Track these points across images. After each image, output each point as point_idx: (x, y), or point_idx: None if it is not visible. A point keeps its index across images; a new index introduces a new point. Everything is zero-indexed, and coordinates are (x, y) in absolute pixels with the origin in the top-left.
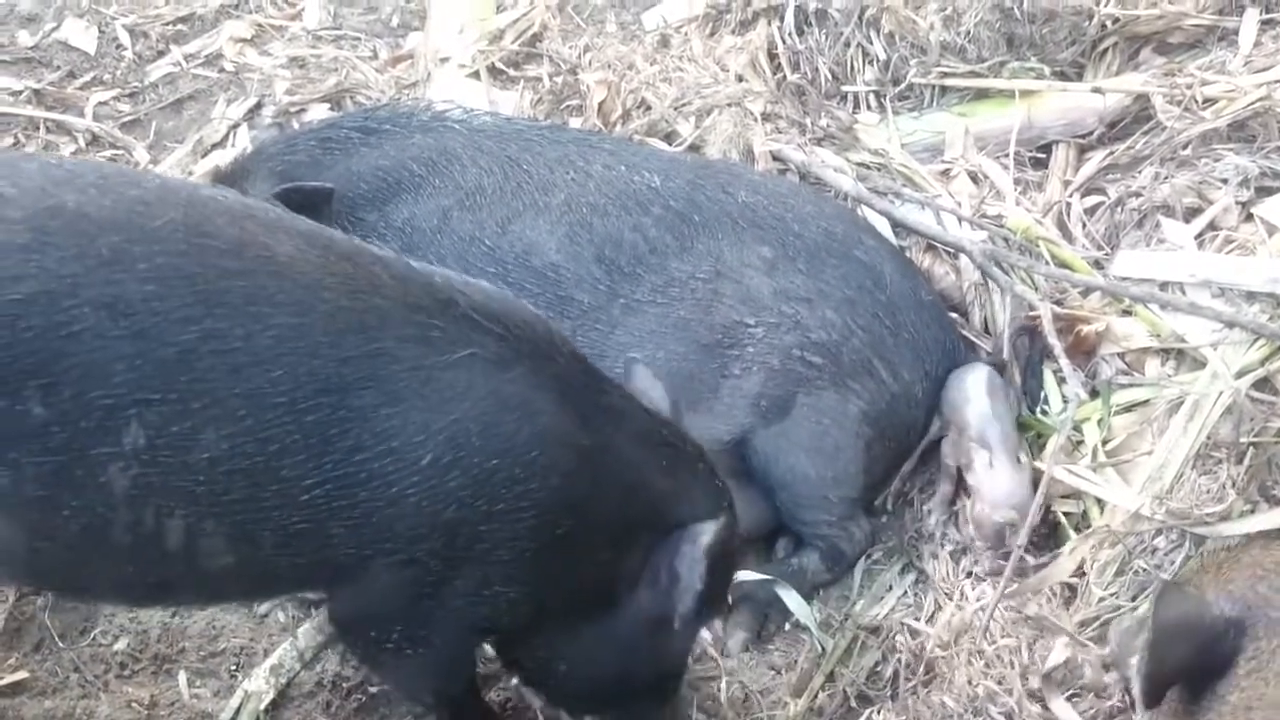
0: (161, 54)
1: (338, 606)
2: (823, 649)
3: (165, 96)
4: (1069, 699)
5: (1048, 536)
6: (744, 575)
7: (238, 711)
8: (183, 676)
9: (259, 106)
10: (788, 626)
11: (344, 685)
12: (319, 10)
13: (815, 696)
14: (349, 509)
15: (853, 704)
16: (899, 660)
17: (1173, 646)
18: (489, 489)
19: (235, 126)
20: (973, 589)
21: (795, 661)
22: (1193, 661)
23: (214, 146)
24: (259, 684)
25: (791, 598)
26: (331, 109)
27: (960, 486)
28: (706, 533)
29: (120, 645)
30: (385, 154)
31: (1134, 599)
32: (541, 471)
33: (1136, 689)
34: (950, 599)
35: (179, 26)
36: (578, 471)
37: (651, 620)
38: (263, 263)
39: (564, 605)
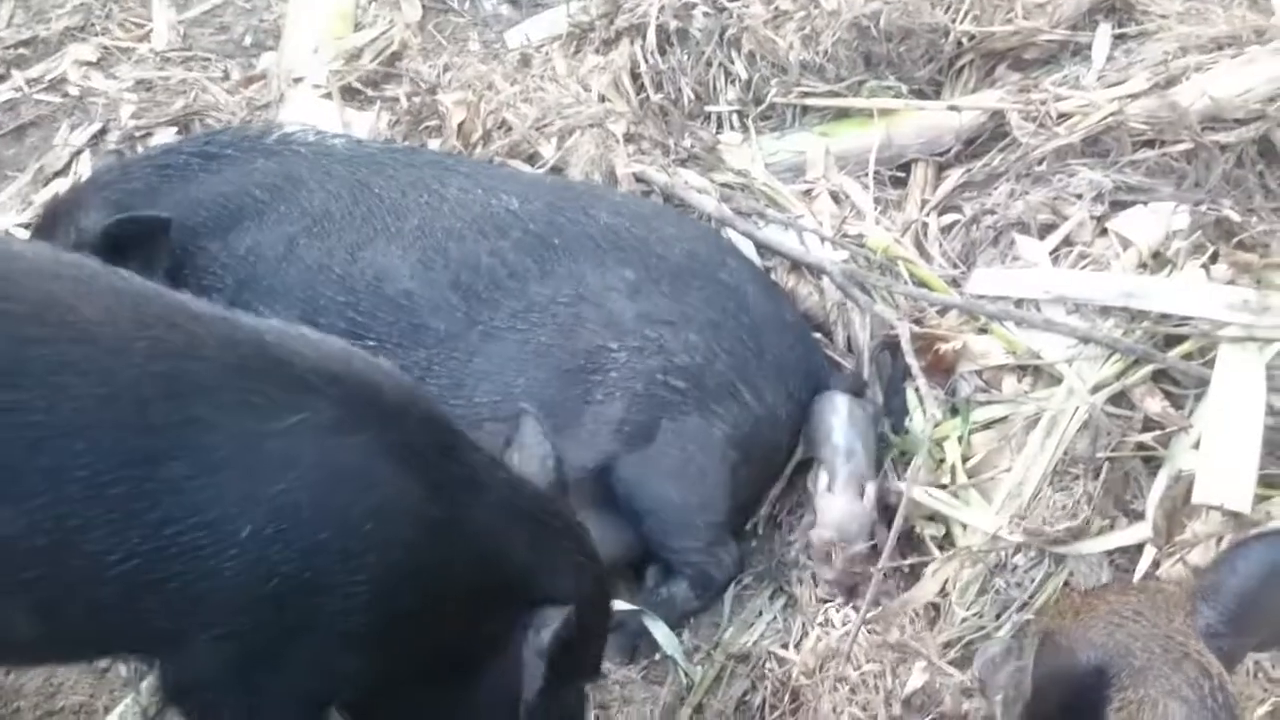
0: (2, 79)
1: (166, 674)
2: (689, 680)
3: (5, 123)
4: None
5: (912, 553)
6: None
7: None
8: None
9: (104, 132)
10: (657, 657)
11: None
12: (168, 31)
13: None
14: (161, 583)
15: None
16: (766, 689)
17: (1049, 699)
18: (318, 563)
19: (78, 153)
20: (838, 613)
21: (658, 695)
22: (1064, 712)
23: (56, 175)
24: None
25: (659, 629)
26: (180, 133)
27: None
28: (550, 624)
29: None
30: (227, 180)
31: (997, 618)
32: (379, 545)
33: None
34: (817, 624)
35: (20, 50)
36: (422, 544)
37: (504, 697)
38: (67, 328)
39: (412, 674)
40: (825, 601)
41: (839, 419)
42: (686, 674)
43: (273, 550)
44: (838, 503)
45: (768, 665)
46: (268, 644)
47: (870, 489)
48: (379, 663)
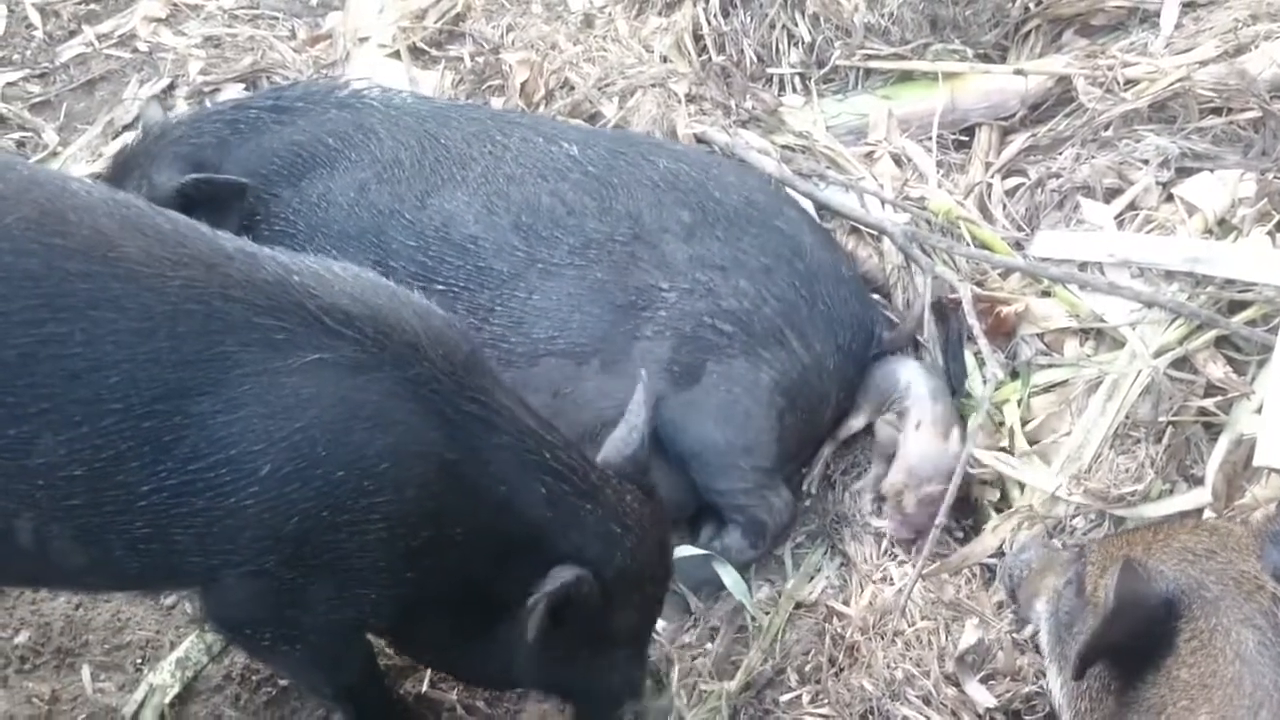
0: (73, 34)
1: (207, 607)
2: (756, 625)
3: (76, 77)
4: (984, 681)
5: (968, 518)
6: (681, 551)
7: (142, 705)
8: (86, 670)
9: (172, 87)
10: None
11: (253, 678)
12: None
13: (751, 673)
14: (189, 517)
15: (776, 684)
16: (826, 641)
17: (1124, 622)
18: (334, 501)
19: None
20: (896, 569)
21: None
22: (1131, 640)
23: (125, 128)
24: (164, 677)
25: (728, 574)
26: (247, 89)
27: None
28: (550, 584)
29: (21, 639)
30: (300, 129)
31: None
32: (393, 484)
33: (1049, 640)
34: (872, 581)
35: (91, 6)
36: (436, 485)
37: (513, 644)
38: (109, 264)
39: (434, 609)
40: (885, 556)
41: (916, 372)
42: (754, 619)
43: (290, 489)
44: (924, 439)
45: (825, 621)
46: (292, 579)
47: (956, 432)
48: (399, 595)
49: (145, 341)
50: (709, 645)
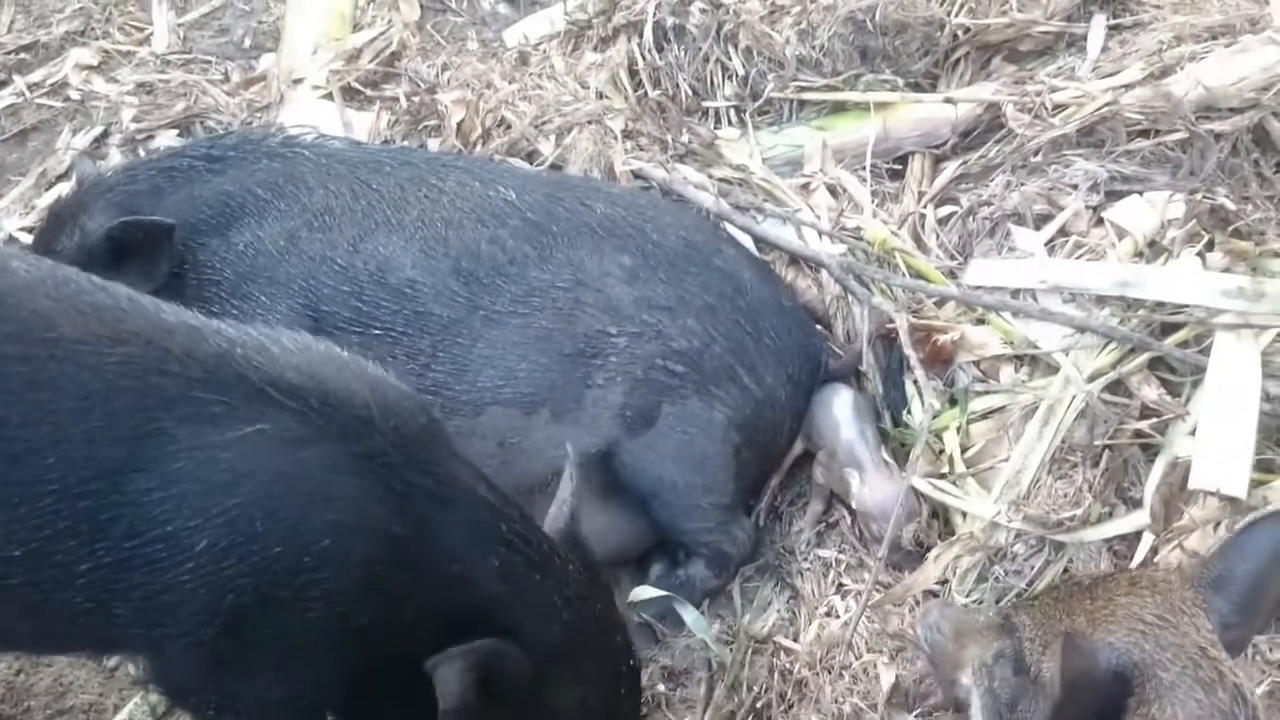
0: (3, 84)
1: (152, 674)
2: (718, 662)
3: (8, 128)
4: (927, 714)
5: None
6: (641, 592)
7: None
8: None
9: (105, 135)
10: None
11: None
12: (168, 34)
13: (720, 709)
14: (128, 591)
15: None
16: (775, 678)
17: (1082, 704)
18: (271, 577)
19: (80, 157)
20: (841, 601)
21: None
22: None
23: (58, 179)
24: None
25: (688, 613)
26: (181, 135)
27: (834, 504)
28: (472, 650)
29: None
30: (230, 179)
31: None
32: (335, 560)
33: (977, 705)
34: (819, 614)
35: (22, 55)
36: (383, 561)
37: None
38: (47, 346)
39: (381, 688)
40: (831, 587)
41: (845, 410)
42: (716, 656)
43: (226, 564)
44: (879, 489)
45: (774, 656)
46: (233, 652)
47: (890, 460)
48: (344, 675)
49: (81, 421)
50: (660, 687)
